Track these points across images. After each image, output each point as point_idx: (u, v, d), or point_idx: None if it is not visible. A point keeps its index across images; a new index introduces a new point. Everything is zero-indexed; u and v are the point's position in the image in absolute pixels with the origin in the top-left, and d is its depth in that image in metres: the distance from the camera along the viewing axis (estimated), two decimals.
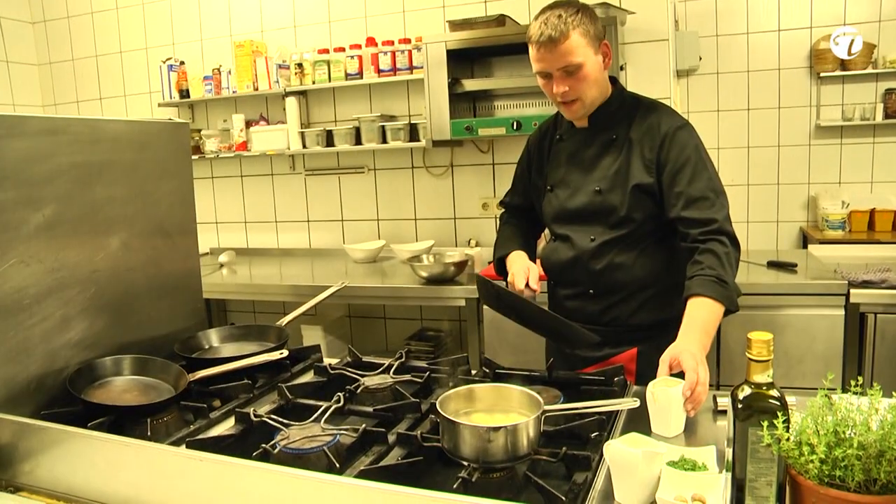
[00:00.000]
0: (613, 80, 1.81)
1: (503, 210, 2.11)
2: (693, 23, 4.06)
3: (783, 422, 0.90)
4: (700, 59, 4.01)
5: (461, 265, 3.04)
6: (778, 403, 0.94)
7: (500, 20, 3.07)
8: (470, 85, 3.18)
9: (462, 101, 3.30)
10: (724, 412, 1.42)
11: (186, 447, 1.30)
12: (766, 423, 0.90)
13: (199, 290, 2.05)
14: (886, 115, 3.88)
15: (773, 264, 2.82)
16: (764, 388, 0.95)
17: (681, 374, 1.38)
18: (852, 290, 2.46)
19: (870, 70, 3.87)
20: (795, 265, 2.75)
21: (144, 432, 1.39)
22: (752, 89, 4.09)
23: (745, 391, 0.96)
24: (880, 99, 3.91)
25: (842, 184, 4.01)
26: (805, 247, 3.86)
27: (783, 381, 2.53)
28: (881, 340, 2.44)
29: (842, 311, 2.48)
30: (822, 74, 3.91)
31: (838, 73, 3.88)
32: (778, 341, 2.60)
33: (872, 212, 3.85)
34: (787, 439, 0.90)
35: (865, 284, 2.46)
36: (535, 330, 1.76)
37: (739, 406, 0.95)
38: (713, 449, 1.20)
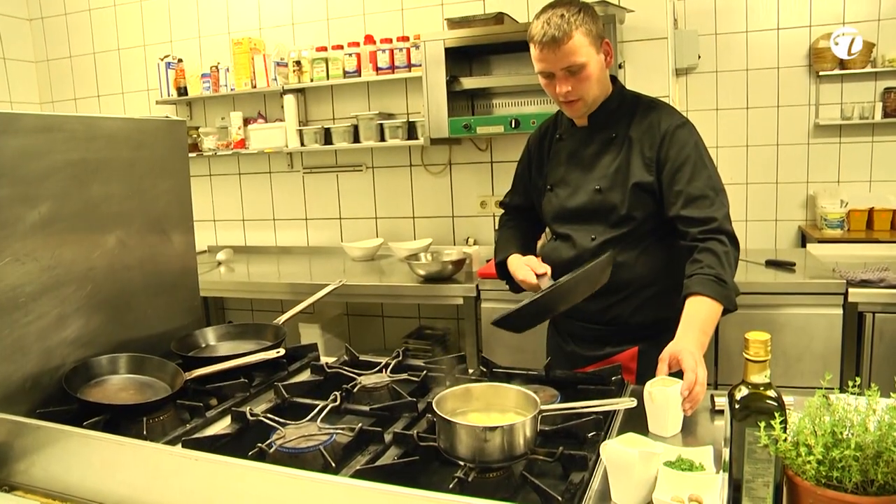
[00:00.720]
0: (613, 79, 1.80)
1: (503, 211, 2.11)
2: (692, 21, 4.05)
3: (780, 422, 0.90)
4: (699, 57, 4.01)
5: (459, 263, 3.04)
6: (775, 404, 0.93)
7: (499, 18, 3.07)
8: (468, 83, 3.17)
9: (460, 100, 3.29)
10: (722, 412, 1.42)
11: (182, 446, 1.29)
12: (763, 424, 0.90)
13: (196, 289, 2.05)
14: (885, 114, 3.88)
15: (771, 263, 2.82)
16: (761, 388, 0.95)
17: (679, 373, 1.37)
18: (850, 290, 2.45)
19: (869, 69, 3.87)
20: (794, 264, 2.74)
21: (140, 431, 1.39)
22: (751, 88, 4.08)
23: (743, 391, 0.96)
24: (879, 98, 3.91)
25: (840, 183, 4.01)
26: (803, 246, 3.86)
27: (781, 381, 2.54)
28: (879, 340, 2.44)
29: (840, 311, 2.47)
30: (821, 73, 3.91)
31: (837, 71, 3.88)
32: (776, 340, 2.59)
33: (871, 211, 3.85)
34: (785, 440, 0.90)
35: (864, 284, 2.46)
36: (570, 304, 1.67)
37: (737, 406, 0.95)
38: (710, 449, 1.19)
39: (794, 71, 4.01)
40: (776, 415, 0.90)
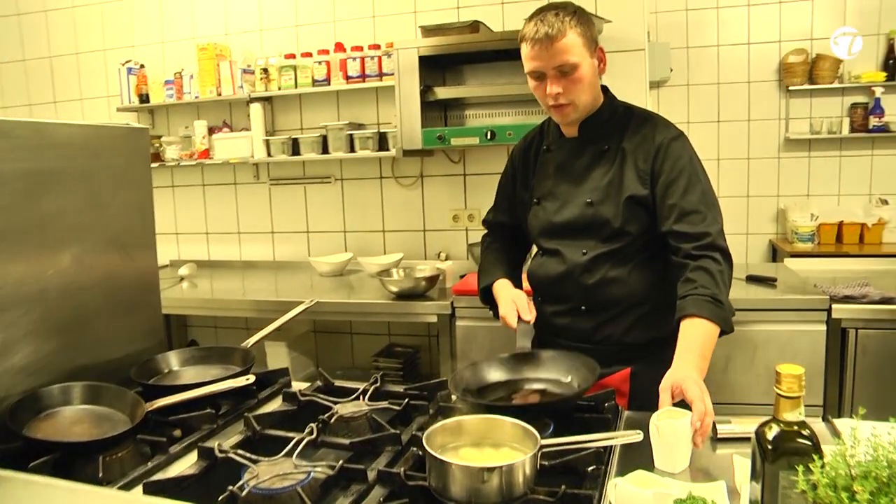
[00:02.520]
0: (605, 90, 1.74)
1: (485, 230, 2.01)
2: (664, 34, 4.05)
3: (820, 466, 0.81)
4: (671, 70, 4.00)
5: (433, 280, 2.94)
6: (810, 443, 0.85)
7: (474, 26, 2.99)
8: (443, 93, 3.08)
9: (432, 110, 3.19)
10: (725, 440, 1.35)
11: (143, 491, 1.17)
12: (801, 468, 0.82)
13: (158, 308, 1.91)
14: (852, 129, 3.93)
15: (752, 279, 2.78)
16: (795, 426, 0.87)
17: (681, 403, 1.30)
18: (834, 306, 2.42)
19: (836, 84, 3.91)
20: (775, 280, 2.71)
21: (96, 472, 1.24)
22: (722, 101, 4.10)
23: (774, 430, 0.88)
24: (846, 113, 3.96)
25: (810, 196, 4.04)
26: (775, 259, 3.86)
27: (764, 398, 2.49)
28: (862, 356, 2.41)
29: (823, 327, 2.44)
30: (790, 88, 3.94)
31: (806, 86, 3.92)
32: (759, 357, 2.57)
33: (840, 224, 3.88)
34: (824, 485, 0.82)
35: (847, 299, 2.43)
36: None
37: (769, 447, 0.87)
38: (723, 484, 1.12)
39: (765, 85, 4.04)
40: (814, 457, 0.82)
